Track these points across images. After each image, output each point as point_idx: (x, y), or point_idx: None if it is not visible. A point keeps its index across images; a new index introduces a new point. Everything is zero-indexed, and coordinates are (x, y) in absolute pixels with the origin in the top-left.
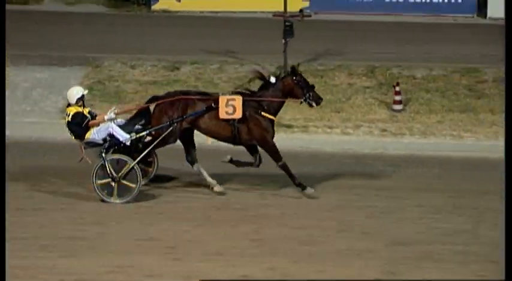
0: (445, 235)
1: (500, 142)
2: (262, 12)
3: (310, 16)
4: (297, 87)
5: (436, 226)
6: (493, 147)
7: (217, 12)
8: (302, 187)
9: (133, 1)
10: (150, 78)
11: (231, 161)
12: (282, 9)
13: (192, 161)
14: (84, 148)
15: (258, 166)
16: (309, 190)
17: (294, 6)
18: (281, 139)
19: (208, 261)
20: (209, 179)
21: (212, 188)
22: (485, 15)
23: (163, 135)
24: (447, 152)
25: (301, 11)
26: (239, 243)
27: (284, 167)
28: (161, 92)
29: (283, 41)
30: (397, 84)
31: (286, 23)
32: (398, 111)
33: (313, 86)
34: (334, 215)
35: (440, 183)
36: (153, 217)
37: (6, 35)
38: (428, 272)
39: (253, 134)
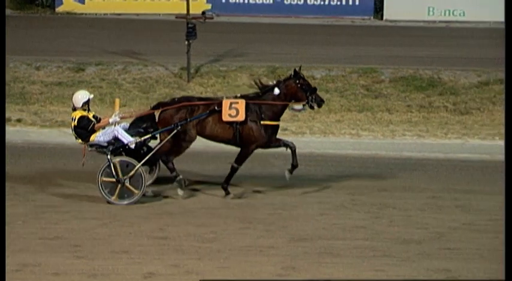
0: (344, 230)
1: (397, 140)
2: (166, 14)
3: (212, 18)
4: (300, 90)
5: (335, 222)
6: (391, 145)
7: (120, 14)
8: (226, 192)
9: (37, 3)
10: (55, 80)
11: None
12: (184, 11)
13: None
14: (89, 150)
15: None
16: (228, 197)
17: (196, 9)
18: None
19: (113, 259)
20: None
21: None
22: (381, 17)
23: (182, 137)
24: (346, 151)
25: (203, 13)
26: (144, 241)
27: (233, 170)
28: (66, 93)
29: (186, 42)
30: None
31: (189, 25)
32: (299, 110)
33: (315, 89)
34: (237, 213)
35: (340, 180)
36: (60, 216)
37: None
38: (328, 267)
39: (242, 135)
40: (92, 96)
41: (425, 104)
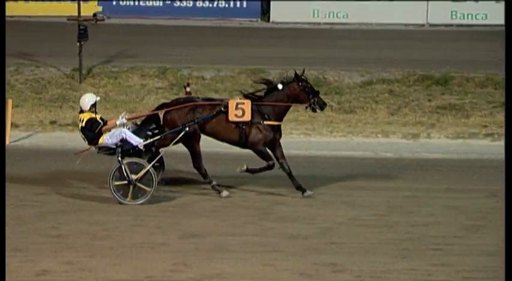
0: (234, 226)
1: (284, 139)
2: (57, 16)
3: (103, 20)
4: (303, 92)
5: (226, 219)
6: (302, 144)
7: (12, 16)
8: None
9: None
10: None
11: (247, 170)
12: (76, 13)
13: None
14: (98, 152)
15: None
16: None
17: (87, 11)
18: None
19: (7, 257)
20: None
21: None
22: (268, 19)
23: (192, 137)
24: (238, 150)
25: (94, 15)
26: (37, 239)
27: (270, 167)
28: None
29: (78, 44)
30: (188, 84)
31: (81, 27)
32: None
33: (318, 92)
34: (130, 210)
35: (230, 178)
36: None
37: None
38: (218, 263)
39: (249, 137)
40: (98, 98)
41: None
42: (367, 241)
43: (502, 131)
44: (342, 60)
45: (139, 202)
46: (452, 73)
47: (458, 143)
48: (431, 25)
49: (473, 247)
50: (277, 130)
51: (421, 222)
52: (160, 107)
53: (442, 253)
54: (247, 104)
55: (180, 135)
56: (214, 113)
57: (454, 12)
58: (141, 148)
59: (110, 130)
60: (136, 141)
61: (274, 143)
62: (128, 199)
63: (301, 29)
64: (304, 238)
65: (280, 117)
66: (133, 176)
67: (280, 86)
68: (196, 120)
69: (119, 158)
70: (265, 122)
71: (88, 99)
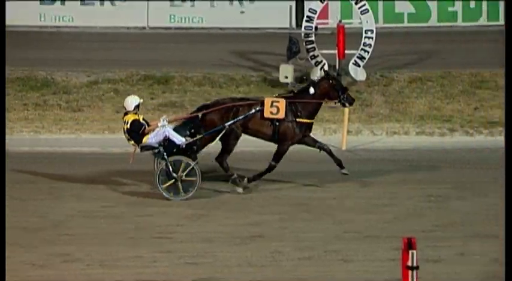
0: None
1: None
2: None
3: None
4: (332, 89)
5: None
6: (10, 141)
7: None
8: (241, 183)
9: None
10: None
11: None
12: None
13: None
14: (141, 151)
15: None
16: (241, 186)
17: None
18: None
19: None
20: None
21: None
22: None
23: (231, 137)
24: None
25: None
26: None
27: (270, 168)
28: None
29: None
30: None
31: None
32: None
33: (346, 88)
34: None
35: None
36: None
37: None
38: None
39: (280, 132)
40: (141, 100)
41: (41, 103)
42: (97, 232)
43: None
44: (69, 62)
45: (191, 194)
46: (173, 73)
47: None
48: (151, 28)
49: (194, 234)
50: (306, 128)
51: (147, 212)
52: (200, 108)
53: (167, 240)
54: (282, 102)
55: (221, 135)
56: (253, 111)
57: (172, 16)
58: (184, 146)
59: (153, 130)
60: (179, 140)
61: (301, 140)
62: (181, 195)
63: (29, 32)
64: (38, 230)
65: (311, 115)
66: (178, 174)
67: (312, 90)
68: (236, 120)
69: (165, 156)
70: (298, 120)
71: (131, 101)
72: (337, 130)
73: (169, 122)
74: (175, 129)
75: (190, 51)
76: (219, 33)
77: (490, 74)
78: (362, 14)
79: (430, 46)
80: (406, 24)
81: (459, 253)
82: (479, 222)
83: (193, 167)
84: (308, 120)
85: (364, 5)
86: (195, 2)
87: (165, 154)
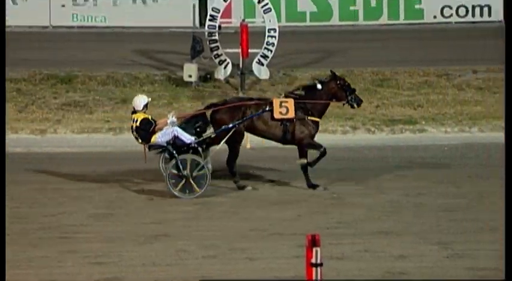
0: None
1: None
2: None
3: None
4: (340, 90)
5: None
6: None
7: None
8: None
9: None
10: None
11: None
12: None
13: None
14: (149, 150)
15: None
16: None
17: None
18: None
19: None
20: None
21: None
22: None
23: (236, 138)
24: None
25: None
26: None
27: (304, 168)
28: None
29: None
30: None
31: None
32: None
33: (354, 90)
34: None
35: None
36: None
37: None
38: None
39: (295, 133)
40: (149, 99)
41: None
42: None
43: (124, 125)
44: None
45: (203, 190)
46: (76, 72)
47: (84, 138)
48: (54, 27)
49: (98, 234)
50: (317, 126)
51: (52, 212)
52: (209, 106)
53: (71, 240)
54: (290, 102)
55: (230, 134)
56: (261, 111)
57: (75, 15)
58: (194, 145)
59: (161, 129)
60: (188, 138)
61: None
62: (194, 192)
63: None
64: None
65: (320, 114)
66: (188, 172)
67: (319, 86)
68: (243, 119)
69: (175, 154)
70: (309, 118)
71: (139, 100)
72: None
73: (178, 118)
74: (183, 127)
75: (94, 50)
76: (123, 32)
77: (391, 73)
78: (265, 13)
79: (332, 45)
80: (308, 23)
81: (363, 250)
82: (382, 219)
83: (202, 166)
84: (317, 119)
85: (267, 4)
86: (98, 0)
87: (174, 152)
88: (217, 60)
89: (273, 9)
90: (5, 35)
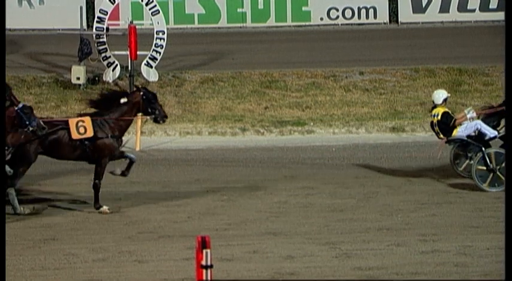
0: None
1: None
2: None
3: None
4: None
5: None
6: None
7: None
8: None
9: None
10: None
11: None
12: None
13: None
14: (448, 144)
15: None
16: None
17: None
18: None
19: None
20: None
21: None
22: None
23: None
24: None
25: None
26: None
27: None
28: None
29: None
30: None
31: None
32: None
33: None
34: None
35: None
36: None
37: None
38: None
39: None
40: (449, 95)
41: None
42: None
43: None
44: None
45: (493, 190)
46: None
47: None
48: None
49: None
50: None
51: None
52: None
53: None
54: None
55: None
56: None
57: None
58: (497, 138)
59: (461, 124)
60: (491, 132)
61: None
62: (485, 184)
63: None
64: None
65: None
66: (495, 166)
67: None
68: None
69: (482, 148)
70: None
71: (438, 95)
72: (130, 131)
73: (477, 113)
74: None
75: None
76: (9, 34)
77: (279, 74)
78: (153, 15)
79: (220, 47)
80: (197, 25)
81: (252, 251)
82: (271, 219)
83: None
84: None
85: (155, 6)
86: None
87: (482, 146)
88: (105, 63)
89: (161, 11)
90: (4, 35)
